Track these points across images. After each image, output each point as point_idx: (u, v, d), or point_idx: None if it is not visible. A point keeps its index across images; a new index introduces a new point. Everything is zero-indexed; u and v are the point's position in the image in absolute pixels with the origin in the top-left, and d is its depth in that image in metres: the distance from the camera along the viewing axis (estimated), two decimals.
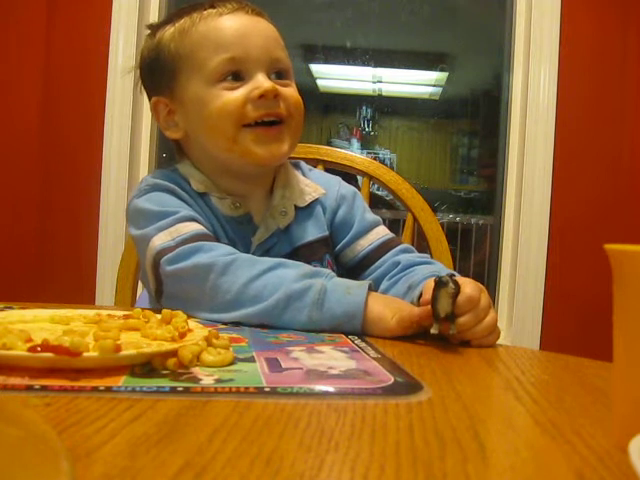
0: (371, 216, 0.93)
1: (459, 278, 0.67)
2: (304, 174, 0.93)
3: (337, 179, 0.96)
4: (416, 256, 0.89)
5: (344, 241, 0.91)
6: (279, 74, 0.83)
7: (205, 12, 0.82)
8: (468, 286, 0.65)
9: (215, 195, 0.83)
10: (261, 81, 0.79)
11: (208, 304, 0.71)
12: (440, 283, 0.62)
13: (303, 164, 0.96)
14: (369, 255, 0.89)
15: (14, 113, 1.97)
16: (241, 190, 0.86)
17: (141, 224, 0.78)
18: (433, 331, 0.63)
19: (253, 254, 0.82)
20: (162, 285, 0.75)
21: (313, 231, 0.88)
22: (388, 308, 0.67)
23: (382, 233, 0.91)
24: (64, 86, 1.95)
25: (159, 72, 0.85)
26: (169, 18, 0.86)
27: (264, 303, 0.68)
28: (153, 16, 2.03)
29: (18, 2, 1.95)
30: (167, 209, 0.77)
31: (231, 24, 0.81)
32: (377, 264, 0.88)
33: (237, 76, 0.80)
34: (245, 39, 0.80)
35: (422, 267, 0.84)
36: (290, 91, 0.83)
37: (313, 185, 0.91)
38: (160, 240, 0.75)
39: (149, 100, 0.88)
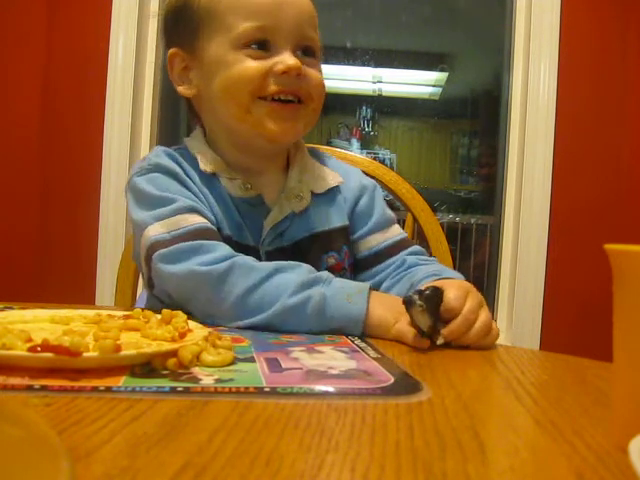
0: (389, 212, 0.91)
1: (444, 282, 0.65)
2: (322, 161, 0.91)
3: (358, 170, 0.95)
4: (422, 259, 0.87)
5: (360, 232, 0.88)
6: (306, 52, 0.80)
7: None
8: (451, 291, 0.63)
9: (224, 176, 0.81)
10: (287, 57, 0.77)
11: (202, 311, 0.69)
12: (408, 303, 0.60)
13: (321, 151, 0.94)
14: (383, 252, 0.87)
15: (14, 113, 1.97)
16: (251, 166, 0.83)
17: (140, 207, 0.76)
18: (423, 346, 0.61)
19: (264, 238, 0.80)
20: (153, 279, 0.74)
21: (334, 219, 0.85)
22: (389, 312, 0.66)
23: (398, 231, 0.90)
24: (64, 86, 1.95)
25: (183, 24, 0.82)
26: None
27: (262, 315, 0.66)
28: (153, 16, 2.03)
29: (18, 2, 1.96)
30: (167, 195, 0.74)
31: None
32: (388, 262, 0.86)
33: (263, 45, 0.77)
34: (279, 10, 0.77)
35: (423, 267, 0.83)
36: (314, 72, 0.80)
37: (331, 173, 0.88)
38: (155, 231, 0.72)
39: (167, 50, 0.85)
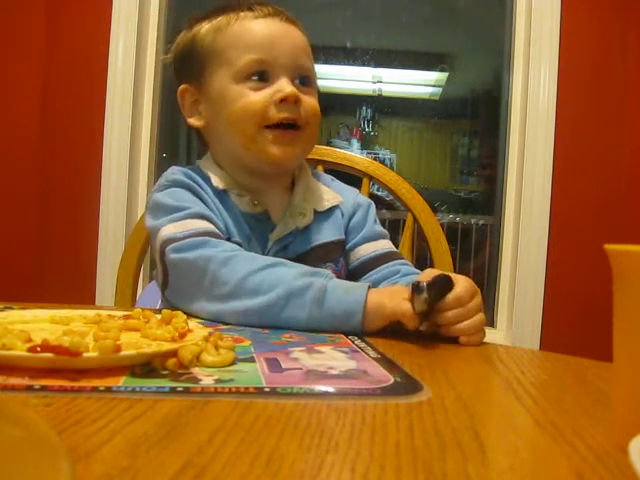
0: (379, 228, 0.97)
1: (455, 275, 0.68)
2: (324, 182, 0.97)
3: (355, 190, 1.01)
4: (415, 270, 0.92)
5: (351, 244, 0.94)
6: (302, 81, 0.86)
7: (242, 13, 0.86)
8: (461, 285, 0.67)
9: (234, 192, 0.86)
10: (284, 85, 0.83)
11: (206, 294, 0.72)
12: (417, 289, 0.63)
13: (325, 175, 1.01)
14: (369, 262, 0.92)
15: (14, 113, 1.97)
16: (258, 187, 0.88)
17: (157, 216, 0.82)
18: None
19: (269, 250, 0.85)
20: (168, 276, 0.78)
21: (331, 233, 0.91)
22: (385, 294, 0.69)
23: (386, 245, 0.95)
24: (64, 86, 1.95)
25: (190, 63, 0.89)
26: (207, 14, 0.89)
27: (263, 297, 0.69)
28: (153, 17, 2.03)
29: (18, 2, 1.96)
30: (181, 204, 0.80)
31: (264, 28, 0.85)
32: (375, 270, 0.91)
33: (262, 76, 0.83)
34: (275, 44, 0.84)
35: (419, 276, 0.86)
36: (310, 99, 0.86)
37: (332, 193, 0.94)
38: (168, 231, 0.78)
39: (177, 87, 0.91)
